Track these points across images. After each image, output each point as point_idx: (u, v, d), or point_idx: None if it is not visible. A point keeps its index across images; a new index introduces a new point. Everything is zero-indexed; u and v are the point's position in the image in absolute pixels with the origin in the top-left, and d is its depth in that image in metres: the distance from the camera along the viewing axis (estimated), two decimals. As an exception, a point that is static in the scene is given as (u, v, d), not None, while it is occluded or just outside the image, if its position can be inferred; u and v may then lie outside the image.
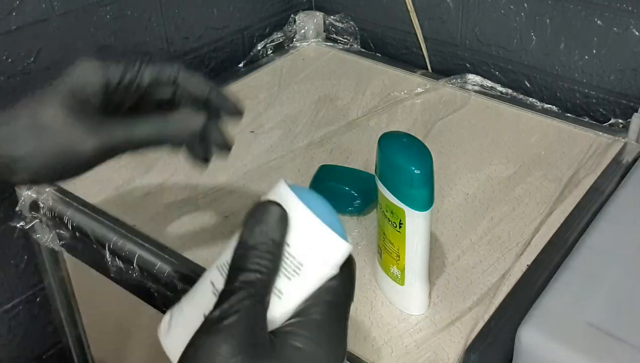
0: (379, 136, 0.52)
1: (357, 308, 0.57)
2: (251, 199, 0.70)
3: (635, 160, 0.72)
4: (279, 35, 1.00)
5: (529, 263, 0.60)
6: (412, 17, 0.95)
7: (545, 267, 0.60)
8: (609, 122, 0.82)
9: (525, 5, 0.85)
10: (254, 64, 0.96)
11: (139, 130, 0.47)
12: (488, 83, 0.89)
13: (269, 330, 0.37)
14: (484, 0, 0.88)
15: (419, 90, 0.88)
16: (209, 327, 0.35)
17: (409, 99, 0.86)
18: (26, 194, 0.71)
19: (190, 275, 0.60)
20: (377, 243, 0.57)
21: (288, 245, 0.39)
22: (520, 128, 0.80)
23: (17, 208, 0.72)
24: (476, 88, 0.88)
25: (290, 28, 1.01)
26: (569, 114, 0.83)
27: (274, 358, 0.35)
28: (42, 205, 0.70)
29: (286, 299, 0.38)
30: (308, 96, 0.88)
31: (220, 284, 0.38)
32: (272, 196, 0.39)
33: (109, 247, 0.64)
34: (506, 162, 0.74)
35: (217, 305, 0.36)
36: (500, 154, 0.76)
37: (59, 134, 0.45)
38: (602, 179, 0.71)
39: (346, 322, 0.39)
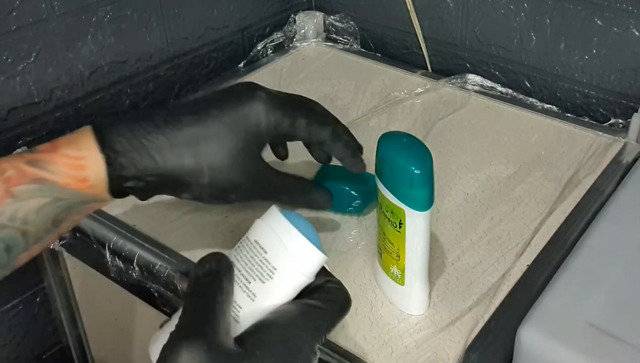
0: (379, 136, 0.52)
1: (357, 308, 0.57)
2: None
3: (635, 160, 0.72)
4: (279, 35, 1.00)
5: (529, 263, 0.60)
6: (412, 17, 0.95)
7: (545, 267, 0.60)
8: (609, 122, 0.82)
9: (525, 5, 0.85)
10: (254, 64, 0.96)
11: (289, 192, 0.56)
12: (488, 83, 0.89)
13: (240, 330, 0.41)
14: (484, 0, 0.88)
15: (419, 90, 0.88)
16: (174, 335, 0.38)
17: (409, 99, 0.86)
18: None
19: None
20: (377, 243, 0.57)
21: (265, 251, 0.43)
22: (520, 128, 0.80)
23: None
24: (476, 88, 0.88)
25: (290, 28, 1.01)
26: (569, 114, 0.83)
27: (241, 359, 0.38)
28: (42, 205, 0.70)
29: (258, 301, 0.42)
30: (308, 96, 0.88)
31: None
32: (264, 217, 0.44)
33: (109, 247, 0.64)
34: (506, 162, 0.74)
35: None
36: (500, 154, 0.76)
37: (222, 167, 0.50)
38: (602, 178, 0.71)
39: (314, 343, 0.41)
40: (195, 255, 0.62)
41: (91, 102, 0.82)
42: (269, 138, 0.53)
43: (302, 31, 1.01)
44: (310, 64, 0.96)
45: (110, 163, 0.47)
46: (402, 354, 0.53)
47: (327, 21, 1.02)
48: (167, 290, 0.61)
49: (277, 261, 0.42)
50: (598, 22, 0.80)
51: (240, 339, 0.40)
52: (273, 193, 0.54)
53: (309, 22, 1.00)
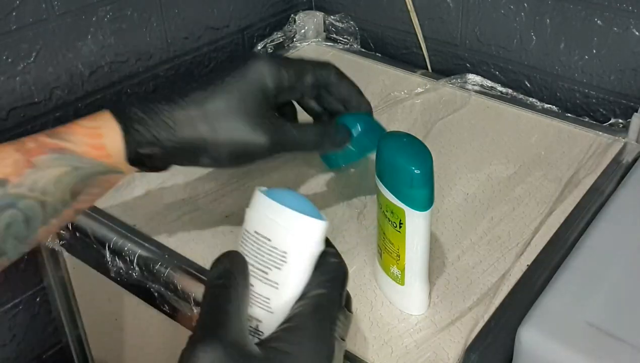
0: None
1: (357, 308, 0.57)
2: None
3: (635, 160, 0.72)
4: (279, 35, 1.00)
5: (529, 263, 0.60)
6: (412, 17, 0.95)
7: (545, 267, 0.60)
8: (609, 122, 0.82)
9: (525, 5, 0.85)
10: (254, 64, 0.96)
11: (306, 136, 0.57)
12: (488, 83, 0.89)
13: (276, 321, 0.41)
14: (484, 0, 0.88)
15: (419, 90, 0.88)
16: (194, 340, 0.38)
17: (409, 99, 0.86)
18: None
19: (190, 275, 0.60)
20: (377, 243, 0.57)
21: (269, 240, 0.42)
22: (520, 128, 0.80)
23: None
24: (476, 88, 0.88)
25: (290, 28, 1.01)
26: (569, 114, 0.83)
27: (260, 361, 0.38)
28: (42, 205, 0.70)
29: (283, 288, 0.42)
30: (308, 96, 0.88)
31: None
32: (251, 204, 0.45)
33: (109, 247, 0.64)
34: (506, 162, 0.74)
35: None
36: (500, 154, 0.76)
37: (236, 127, 0.52)
38: (602, 178, 0.71)
39: (332, 327, 0.41)
40: (195, 255, 0.62)
41: (91, 102, 0.82)
42: (277, 93, 0.55)
43: (302, 31, 1.01)
44: (310, 64, 0.96)
45: (125, 130, 0.50)
46: (402, 354, 0.53)
47: (327, 21, 1.02)
48: (167, 290, 0.61)
49: (285, 245, 0.42)
50: (598, 22, 0.80)
51: (260, 344, 0.40)
52: (292, 143, 0.55)
53: (309, 22, 1.00)
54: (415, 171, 0.49)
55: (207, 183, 0.71)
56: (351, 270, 0.60)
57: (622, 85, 0.81)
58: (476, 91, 0.88)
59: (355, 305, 0.55)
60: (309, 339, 0.39)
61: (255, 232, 0.43)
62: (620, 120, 0.81)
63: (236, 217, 0.67)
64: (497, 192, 0.70)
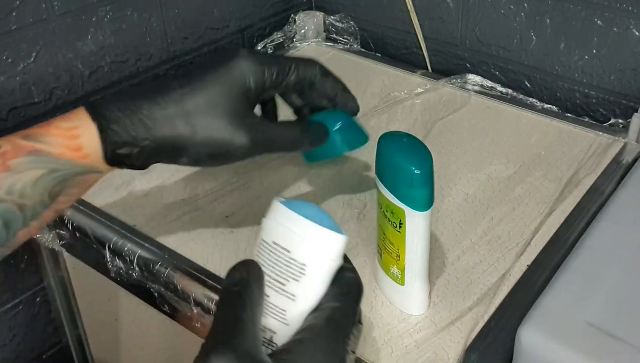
0: (379, 136, 0.52)
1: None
2: (251, 199, 0.70)
3: (635, 160, 0.72)
4: (279, 35, 1.00)
5: (529, 263, 0.60)
6: (412, 17, 0.95)
7: (545, 267, 0.60)
8: (609, 122, 0.82)
9: (525, 5, 0.85)
10: (254, 64, 0.96)
11: (287, 136, 0.55)
12: (488, 83, 0.89)
13: (290, 332, 0.41)
14: (484, 0, 0.88)
15: (419, 90, 0.88)
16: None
17: (409, 99, 0.86)
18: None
19: (190, 275, 0.60)
20: (377, 243, 0.57)
21: (288, 251, 0.42)
22: (520, 128, 0.80)
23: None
24: (476, 88, 0.88)
25: (290, 28, 1.01)
26: (569, 114, 0.83)
27: None
28: (42, 205, 0.70)
29: (300, 300, 0.42)
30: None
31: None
32: (270, 214, 0.43)
33: (109, 247, 0.64)
34: (506, 162, 0.74)
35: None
36: (500, 154, 0.76)
37: (215, 125, 0.50)
38: (602, 179, 0.71)
39: (345, 341, 0.41)
40: (195, 255, 0.62)
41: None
42: (259, 91, 0.53)
43: (302, 31, 1.01)
44: (310, 64, 0.96)
45: (102, 130, 0.48)
46: (402, 354, 0.53)
47: (327, 21, 1.02)
48: (167, 290, 0.61)
49: (304, 257, 0.42)
50: (598, 22, 0.80)
51: (272, 355, 0.39)
52: (272, 144, 0.54)
53: (309, 22, 1.00)
54: (415, 171, 0.49)
55: (207, 183, 0.71)
56: (351, 270, 0.61)
57: (622, 85, 0.81)
58: (476, 91, 0.88)
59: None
60: (321, 352, 0.39)
61: (274, 243, 0.43)
62: (620, 120, 0.81)
63: (236, 217, 0.67)
64: (497, 192, 0.70)
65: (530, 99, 0.85)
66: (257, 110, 0.57)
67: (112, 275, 0.65)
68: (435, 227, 0.65)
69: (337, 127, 0.60)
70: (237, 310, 0.39)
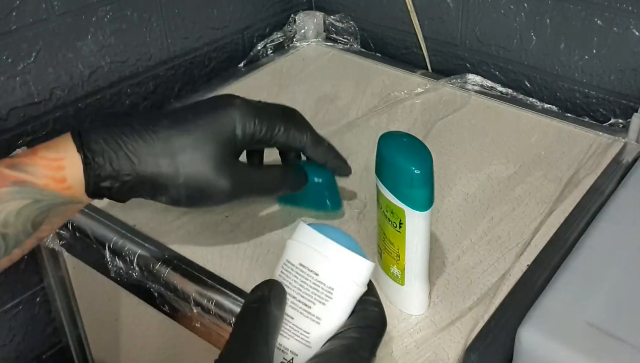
0: (379, 136, 0.52)
1: (357, 308, 0.57)
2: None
3: (635, 160, 0.72)
4: (279, 35, 1.00)
5: (529, 263, 0.60)
6: (412, 17, 0.95)
7: (545, 267, 0.60)
8: (609, 122, 0.82)
9: (525, 5, 0.85)
10: (254, 64, 0.96)
11: (268, 182, 0.56)
12: (488, 83, 0.89)
13: (312, 354, 0.41)
14: (484, 0, 0.88)
15: (419, 90, 0.88)
16: None
17: (409, 99, 0.86)
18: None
19: (190, 275, 0.60)
20: (377, 243, 0.57)
21: (317, 274, 0.42)
22: (520, 128, 0.80)
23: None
24: (476, 88, 0.88)
25: (290, 28, 1.01)
26: (569, 114, 0.83)
27: None
28: (42, 205, 0.70)
29: (325, 323, 0.42)
30: (308, 96, 0.88)
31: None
32: (296, 236, 0.44)
33: (109, 247, 0.64)
34: (506, 162, 0.74)
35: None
36: (500, 154, 0.76)
37: (198, 169, 0.50)
38: (602, 179, 0.71)
39: None
40: (195, 255, 0.62)
41: (91, 102, 0.82)
42: (245, 144, 0.53)
43: (302, 31, 1.01)
44: (310, 64, 0.96)
45: (87, 162, 0.48)
46: (402, 354, 0.53)
47: (327, 21, 1.02)
48: (167, 290, 0.61)
49: (333, 281, 0.42)
50: (598, 22, 0.80)
51: None
52: (252, 189, 0.55)
53: (309, 22, 1.00)
54: (415, 171, 0.49)
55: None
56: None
57: (622, 85, 0.81)
58: (476, 91, 0.88)
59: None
60: None
61: (300, 265, 0.43)
62: (620, 120, 0.81)
63: (236, 217, 0.67)
64: (497, 192, 0.70)
65: (530, 99, 0.85)
66: (243, 155, 0.57)
67: (112, 275, 0.65)
68: (435, 227, 0.65)
69: (318, 181, 0.61)
70: (252, 330, 0.39)
